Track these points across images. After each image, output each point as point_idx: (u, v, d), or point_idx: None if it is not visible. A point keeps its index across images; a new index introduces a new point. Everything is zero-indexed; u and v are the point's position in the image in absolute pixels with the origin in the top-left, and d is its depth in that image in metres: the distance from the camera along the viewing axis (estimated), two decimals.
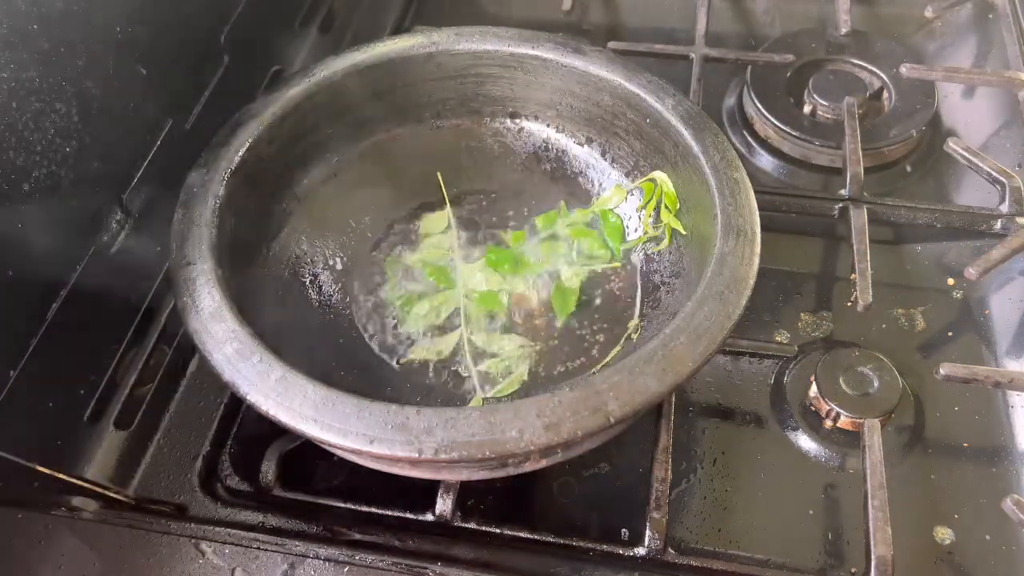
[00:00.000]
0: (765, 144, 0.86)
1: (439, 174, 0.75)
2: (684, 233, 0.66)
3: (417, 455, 0.47)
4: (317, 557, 0.56)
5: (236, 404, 0.67)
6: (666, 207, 0.67)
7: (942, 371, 0.62)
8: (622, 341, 0.67)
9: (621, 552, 0.57)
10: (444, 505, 0.58)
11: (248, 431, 0.66)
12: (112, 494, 0.61)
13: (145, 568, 0.55)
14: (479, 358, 0.66)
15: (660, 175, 0.67)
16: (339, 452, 0.56)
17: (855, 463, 0.63)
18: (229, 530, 0.58)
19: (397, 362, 0.67)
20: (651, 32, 0.99)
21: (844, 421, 0.64)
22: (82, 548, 0.56)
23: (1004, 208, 0.74)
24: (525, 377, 0.65)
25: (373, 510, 0.60)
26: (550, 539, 0.58)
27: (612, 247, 0.72)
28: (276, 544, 0.56)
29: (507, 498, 0.63)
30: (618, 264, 0.70)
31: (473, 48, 0.71)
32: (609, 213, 0.73)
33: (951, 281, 0.75)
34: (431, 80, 0.73)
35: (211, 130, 0.65)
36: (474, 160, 0.76)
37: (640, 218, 0.71)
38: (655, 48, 0.89)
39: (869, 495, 0.57)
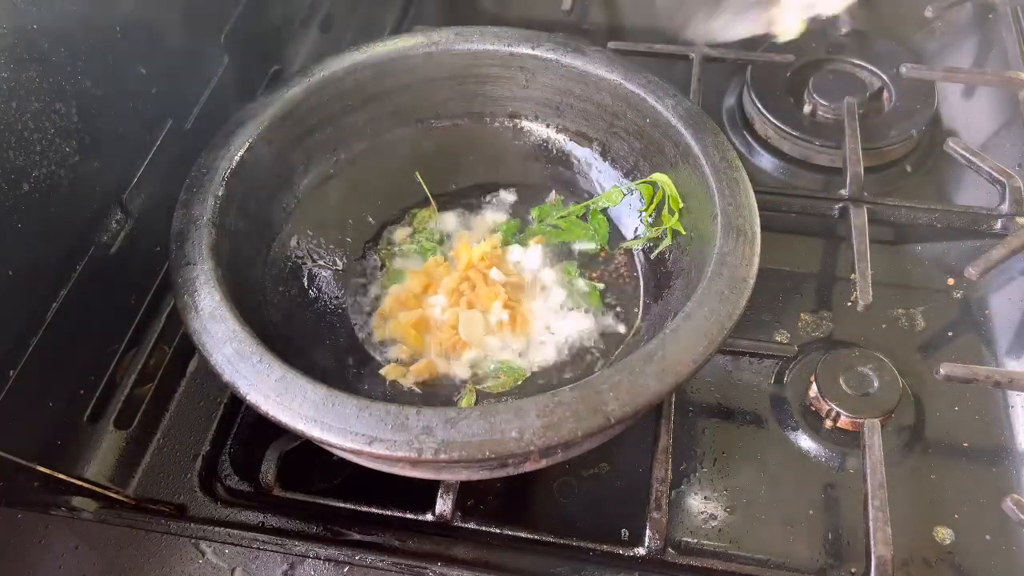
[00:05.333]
0: (765, 144, 0.86)
1: (418, 174, 0.75)
2: (684, 233, 0.66)
3: (417, 455, 0.47)
4: (317, 557, 0.55)
5: (236, 404, 0.67)
6: (669, 209, 0.67)
7: (942, 371, 0.62)
8: (625, 342, 0.67)
9: (621, 552, 0.57)
10: (444, 505, 0.58)
11: (248, 431, 0.66)
12: (112, 494, 0.61)
13: (145, 568, 0.55)
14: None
15: (661, 177, 0.67)
16: (339, 452, 0.56)
17: (855, 463, 0.63)
18: (229, 530, 0.58)
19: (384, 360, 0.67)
20: (651, 32, 0.99)
21: (844, 421, 0.64)
22: (82, 548, 0.56)
23: (1004, 208, 0.74)
24: (525, 375, 0.66)
25: (373, 510, 0.60)
26: (550, 539, 0.58)
27: (599, 240, 0.73)
28: (276, 544, 0.56)
29: (507, 498, 0.63)
30: (597, 296, 0.70)
31: (473, 48, 0.71)
32: (598, 212, 0.73)
33: (951, 281, 0.75)
34: (431, 80, 0.73)
35: (211, 130, 0.66)
36: (474, 160, 0.76)
37: (641, 219, 0.71)
38: (655, 48, 0.89)
39: (869, 495, 0.57)
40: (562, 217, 0.74)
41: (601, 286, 0.70)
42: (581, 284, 0.70)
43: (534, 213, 0.75)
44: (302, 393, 0.50)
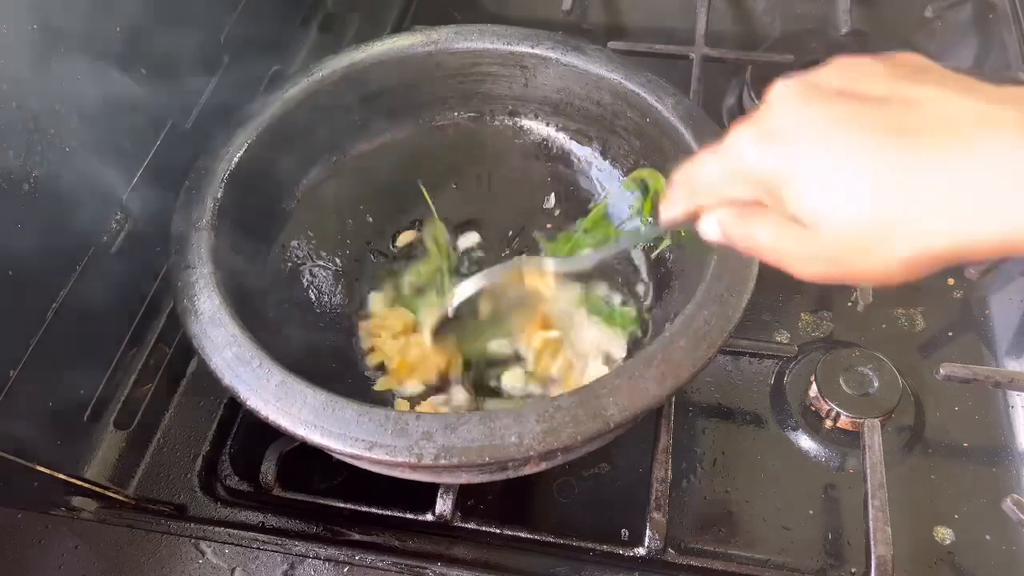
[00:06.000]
0: None
1: (429, 199, 0.75)
2: (684, 233, 0.66)
3: (417, 460, 0.47)
4: (317, 557, 0.56)
5: (236, 404, 0.66)
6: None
7: (942, 371, 0.62)
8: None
9: (621, 552, 0.58)
10: (444, 505, 0.58)
11: (248, 431, 0.66)
12: (112, 494, 0.61)
13: (145, 568, 0.55)
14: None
15: (651, 172, 0.67)
16: (339, 456, 0.56)
17: (855, 463, 0.63)
18: (229, 530, 0.59)
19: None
20: (651, 32, 0.99)
21: (844, 421, 0.64)
22: (82, 548, 0.56)
23: None
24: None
25: (373, 510, 0.60)
26: (550, 539, 0.58)
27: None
28: (276, 544, 0.56)
29: (507, 498, 0.63)
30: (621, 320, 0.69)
31: (473, 47, 0.71)
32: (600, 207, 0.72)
33: (951, 281, 0.75)
34: (431, 79, 0.72)
35: (211, 130, 0.65)
36: (473, 159, 0.76)
37: (640, 219, 0.70)
38: (655, 48, 0.88)
39: (869, 495, 0.57)
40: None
41: (631, 311, 0.68)
42: (603, 307, 0.69)
43: (548, 250, 0.71)
44: (302, 398, 0.50)
